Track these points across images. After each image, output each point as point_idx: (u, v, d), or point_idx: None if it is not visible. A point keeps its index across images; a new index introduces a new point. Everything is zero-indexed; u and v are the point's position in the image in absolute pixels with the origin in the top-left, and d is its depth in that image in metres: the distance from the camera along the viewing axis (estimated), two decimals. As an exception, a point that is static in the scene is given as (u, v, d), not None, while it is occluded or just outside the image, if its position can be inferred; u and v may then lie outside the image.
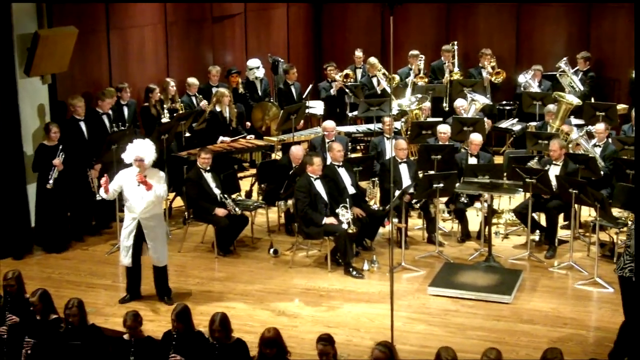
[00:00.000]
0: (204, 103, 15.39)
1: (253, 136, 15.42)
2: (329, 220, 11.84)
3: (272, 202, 13.49)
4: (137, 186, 10.48)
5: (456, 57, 17.67)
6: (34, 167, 12.43)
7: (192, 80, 15.57)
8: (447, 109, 16.69)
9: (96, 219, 13.51)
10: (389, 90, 16.70)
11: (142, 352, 8.62)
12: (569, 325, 10.16)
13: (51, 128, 12.38)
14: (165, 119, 14.60)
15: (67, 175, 12.48)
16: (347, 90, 16.81)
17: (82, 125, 13.03)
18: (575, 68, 16.96)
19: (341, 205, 11.82)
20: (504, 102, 17.61)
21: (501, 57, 18.03)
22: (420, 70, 17.45)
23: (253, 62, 16.90)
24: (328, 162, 12.97)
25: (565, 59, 16.84)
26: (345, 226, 11.65)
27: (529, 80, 16.87)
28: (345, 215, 11.73)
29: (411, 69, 17.42)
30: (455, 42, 17.79)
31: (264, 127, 16.45)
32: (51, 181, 12.22)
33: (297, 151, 13.27)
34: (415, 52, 17.58)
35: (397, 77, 17.18)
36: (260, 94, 16.87)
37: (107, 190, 10.60)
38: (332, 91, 16.86)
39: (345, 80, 16.94)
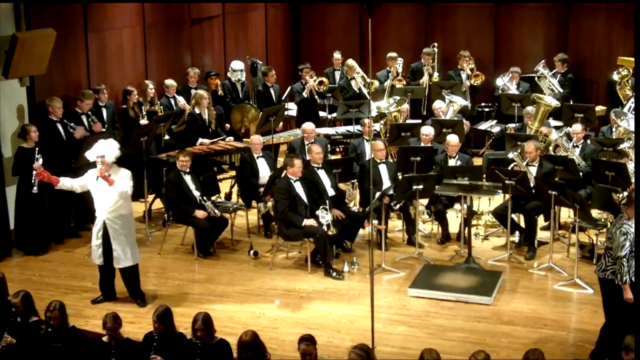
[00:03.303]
0: (183, 103, 15.34)
1: (232, 138, 15.39)
2: (308, 222, 11.83)
3: (248, 201, 13.51)
4: (97, 180, 10.50)
5: (436, 61, 17.69)
6: (14, 171, 12.35)
7: (170, 82, 15.53)
8: (424, 112, 16.70)
9: (75, 220, 13.45)
10: (365, 92, 16.71)
11: (122, 354, 8.60)
12: (549, 327, 10.20)
13: (30, 129, 12.30)
14: (143, 121, 14.56)
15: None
16: (316, 97, 16.75)
17: (59, 126, 12.98)
18: (554, 71, 16.98)
19: (321, 207, 11.81)
20: (483, 104, 17.63)
21: (480, 58, 18.02)
22: (398, 73, 17.45)
23: (237, 65, 16.83)
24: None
25: (542, 62, 16.83)
26: (325, 228, 11.65)
27: (507, 83, 16.87)
28: (325, 217, 11.72)
29: (389, 72, 17.42)
30: (436, 45, 17.79)
31: (243, 129, 16.42)
32: (36, 186, 12.11)
33: (254, 138, 13.74)
34: (394, 54, 17.57)
35: (376, 82, 17.16)
36: (241, 96, 16.83)
37: (49, 179, 10.84)
38: (304, 93, 16.83)
39: (319, 87, 16.86)
